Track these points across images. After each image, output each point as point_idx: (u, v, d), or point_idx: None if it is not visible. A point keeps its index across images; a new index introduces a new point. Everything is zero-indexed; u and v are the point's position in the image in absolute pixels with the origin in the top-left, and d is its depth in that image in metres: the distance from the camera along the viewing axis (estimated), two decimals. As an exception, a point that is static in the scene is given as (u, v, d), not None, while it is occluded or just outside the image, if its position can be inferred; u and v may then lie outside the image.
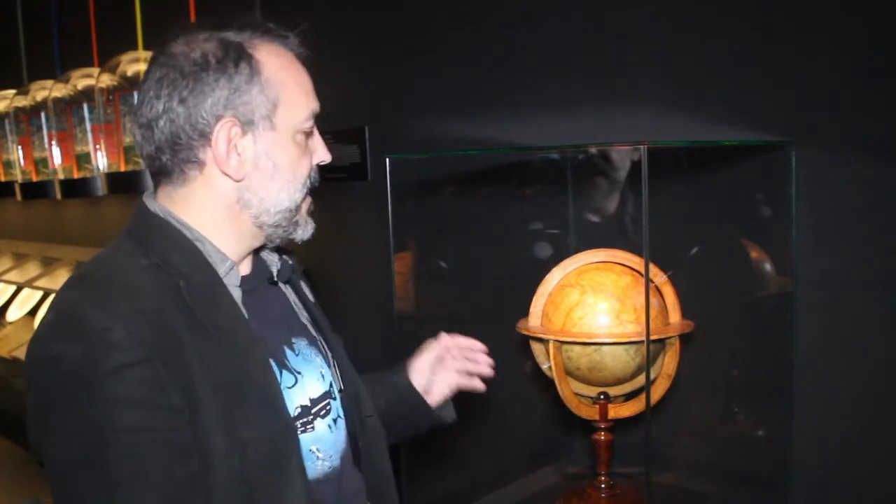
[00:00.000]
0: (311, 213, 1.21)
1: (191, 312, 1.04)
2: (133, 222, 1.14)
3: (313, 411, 1.17)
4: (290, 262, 1.28)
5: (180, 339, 1.01)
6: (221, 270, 1.11)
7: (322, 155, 1.19)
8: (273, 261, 1.24)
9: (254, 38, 1.11)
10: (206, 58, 1.07)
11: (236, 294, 1.12)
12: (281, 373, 1.13)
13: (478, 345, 1.47)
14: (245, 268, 1.19)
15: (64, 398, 0.98)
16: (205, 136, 1.07)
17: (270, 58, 1.11)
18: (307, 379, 1.18)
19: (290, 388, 1.14)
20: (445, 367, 1.45)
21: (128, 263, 1.08)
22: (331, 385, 1.23)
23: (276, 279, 1.24)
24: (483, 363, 1.45)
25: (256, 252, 1.22)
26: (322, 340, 1.27)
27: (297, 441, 1.10)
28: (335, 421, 1.21)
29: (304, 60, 1.17)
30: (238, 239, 1.15)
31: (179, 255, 1.09)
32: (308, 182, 1.16)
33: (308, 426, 1.15)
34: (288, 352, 1.18)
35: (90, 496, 0.97)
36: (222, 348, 1.05)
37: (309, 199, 1.19)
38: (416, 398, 1.42)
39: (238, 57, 1.08)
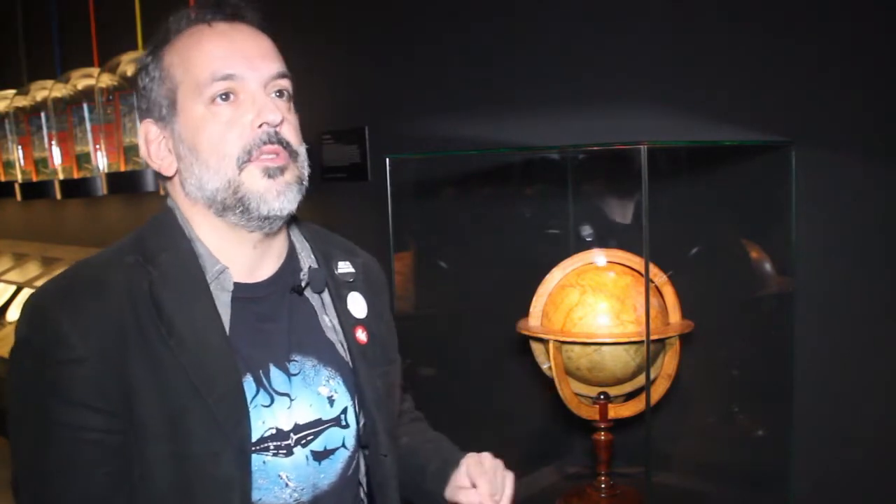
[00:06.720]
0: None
1: (155, 315, 1.02)
2: (151, 217, 1.15)
3: (295, 437, 1.10)
4: (328, 272, 1.19)
5: (131, 342, 1.01)
6: (210, 274, 1.08)
7: (250, 117, 1.07)
8: (307, 269, 1.17)
9: (179, 32, 1.10)
10: (135, 76, 1.15)
11: (223, 299, 1.08)
12: (258, 390, 1.08)
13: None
14: (261, 272, 1.14)
15: (20, 381, 1.04)
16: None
17: (176, 46, 1.10)
18: (297, 402, 1.11)
19: (266, 406, 1.08)
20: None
21: (109, 260, 1.09)
22: (341, 414, 1.15)
23: (298, 289, 1.16)
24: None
25: (293, 257, 1.18)
26: (355, 366, 1.17)
27: (247, 462, 1.04)
28: (328, 452, 1.13)
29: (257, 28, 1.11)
30: (219, 235, 1.10)
31: (170, 253, 1.08)
32: (244, 153, 1.06)
33: (280, 451, 1.08)
34: (275, 370, 1.10)
35: (28, 476, 1.02)
36: (178, 356, 1.01)
37: (259, 166, 1.06)
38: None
39: (150, 61, 1.12)
